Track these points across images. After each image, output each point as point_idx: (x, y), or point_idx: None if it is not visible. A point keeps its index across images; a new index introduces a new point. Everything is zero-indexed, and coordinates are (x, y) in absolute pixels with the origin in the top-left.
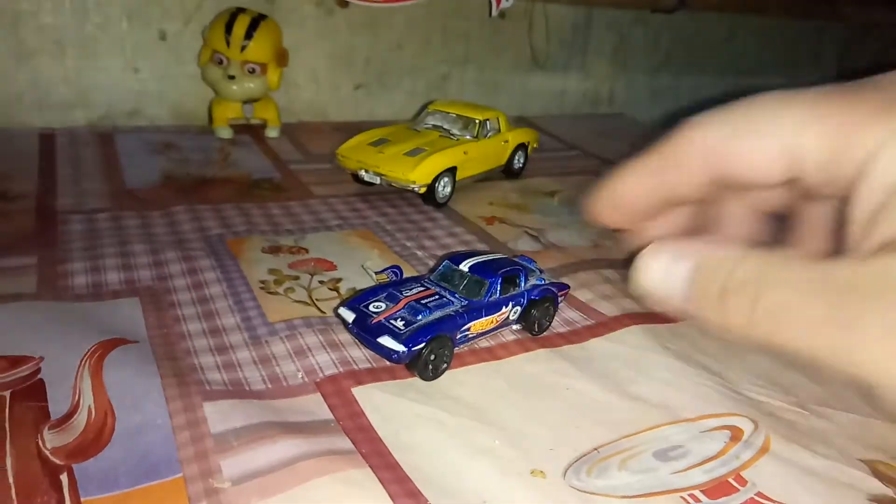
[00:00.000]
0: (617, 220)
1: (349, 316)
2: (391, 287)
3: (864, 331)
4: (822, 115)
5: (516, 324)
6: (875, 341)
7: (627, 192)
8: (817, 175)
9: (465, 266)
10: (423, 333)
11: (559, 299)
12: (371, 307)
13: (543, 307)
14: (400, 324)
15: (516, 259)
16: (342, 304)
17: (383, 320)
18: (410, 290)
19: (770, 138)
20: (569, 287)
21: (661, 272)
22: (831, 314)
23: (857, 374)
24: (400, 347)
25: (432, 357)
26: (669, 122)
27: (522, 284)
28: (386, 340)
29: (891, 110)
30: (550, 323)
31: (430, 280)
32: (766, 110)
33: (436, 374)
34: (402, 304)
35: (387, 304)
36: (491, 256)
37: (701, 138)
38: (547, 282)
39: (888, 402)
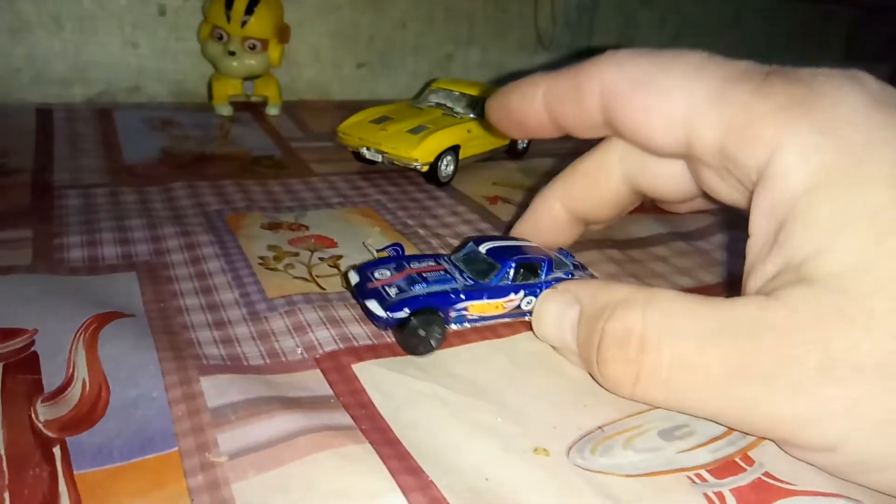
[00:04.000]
0: (508, 129)
1: (354, 278)
2: (405, 258)
3: (775, 386)
4: (725, 98)
5: (531, 315)
6: (785, 398)
7: (521, 109)
8: (710, 158)
9: (483, 248)
10: (409, 303)
11: None
12: (376, 273)
13: None
14: (392, 291)
15: (555, 252)
16: (353, 266)
17: (379, 286)
18: (420, 263)
19: (668, 103)
20: None
21: (554, 320)
22: (735, 371)
23: (758, 432)
24: (383, 313)
25: (420, 332)
26: None
27: (543, 275)
28: (372, 304)
29: (794, 110)
30: None
31: (448, 258)
32: (678, 73)
33: (422, 350)
34: (404, 273)
35: (391, 273)
36: (518, 243)
37: (606, 76)
38: (576, 277)
39: (797, 454)
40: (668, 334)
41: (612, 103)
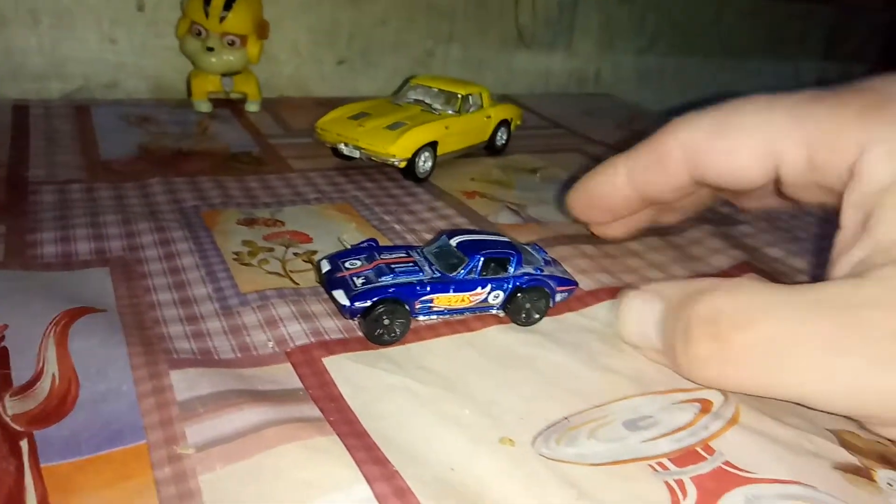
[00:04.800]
0: (592, 217)
1: (325, 266)
2: (377, 249)
3: (867, 359)
4: (806, 118)
5: (499, 309)
6: (884, 371)
7: (606, 192)
8: (798, 178)
9: (454, 241)
10: (372, 294)
11: (558, 295)
12: (346, 263)
13: (532, 298)
14: (359, 282)
15: (525, 246)
16: (326, 256)
17: (348, 276)
18: (391, 254)
19: (753, 138)
20: (576, 284)
21: (637, 319)
22: (832, 339)
23: (849, 410)
24: (347, 302)
25: (385, 322)
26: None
27: (513, 270)
28: (338, 294)
29: (873, 114)
30: (541, 317)
31: (420, 250)
32: (750, 111)
33: (386, 339)
34: (373, 264)
35: (361, 263)
36: (491, 237)
37: (684, 136)
38: (546, 273)
39: (880, 434)
40: (760, 311)
41: (696, 157)
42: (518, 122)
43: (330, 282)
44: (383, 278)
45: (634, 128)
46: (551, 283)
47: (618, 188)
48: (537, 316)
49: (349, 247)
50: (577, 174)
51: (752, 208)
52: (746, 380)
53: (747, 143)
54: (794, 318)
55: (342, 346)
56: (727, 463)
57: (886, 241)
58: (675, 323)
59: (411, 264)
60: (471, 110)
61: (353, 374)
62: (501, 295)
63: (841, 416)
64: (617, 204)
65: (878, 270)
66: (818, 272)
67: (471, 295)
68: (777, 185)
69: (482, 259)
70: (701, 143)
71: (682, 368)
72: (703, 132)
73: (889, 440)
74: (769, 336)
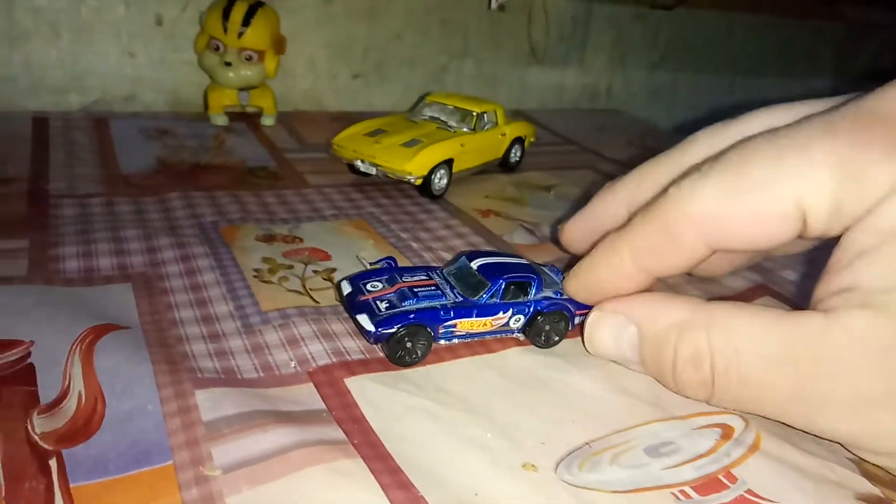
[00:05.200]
0: (600, 300)
1: (346, 289)
2: (397, 271)
3: (833, 408)
4: (829, 161)
5: (519, 332)
6: (843, 419)
7: (612, 280)
8: (823, 224)
9: (475, 264)
10: (398, 319)
11: (577, 318)
12: (368, 285)
13: (553, 321)
14: (383, 306)
15: (543, 268)
16: (346, 277)
17: (371, 299)
18: (412, 276)
19: (778, 195)
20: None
21: (610, 340)
22: (797, 392)
23: (829, 437)
24: (372, 328)
25: (407, 345)
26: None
27: (533, 294)
28: (363, 319)
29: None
30: (560, 339)
31: (440, 271)
32: (763, 162)
33: (408, 360)
34: (395, 288)
35: (383, 286)
36: (510, 260)
37: (696, 209)
38: (565, 297)
39: (870, 458)
40: (733, 356)
41: (715, 229)
42: (532, 140)
43: (352, 305)
44: (407, 303)
45: (646, 144)
46: (570, 307)
47: (625, 275)
48: (557, 339)
49: (368, 266)
50: (590, 191)
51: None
52: (732, 407)
53: (773, 203)
54: (763, 363)
55: (363, 366)
56: (749, 491)
57: (875, 285)
58: (657, 356)
59: (433, 287)
60: (486, 128)
61: (374, 395)
62: (522, 319)
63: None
64: (626, 288)
65: (851, 313)
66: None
67: (493, 319)
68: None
69: (504, 283)
70: (717, 212)
71: (671, 389)
72: (717, 199)
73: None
74: (742, 380)
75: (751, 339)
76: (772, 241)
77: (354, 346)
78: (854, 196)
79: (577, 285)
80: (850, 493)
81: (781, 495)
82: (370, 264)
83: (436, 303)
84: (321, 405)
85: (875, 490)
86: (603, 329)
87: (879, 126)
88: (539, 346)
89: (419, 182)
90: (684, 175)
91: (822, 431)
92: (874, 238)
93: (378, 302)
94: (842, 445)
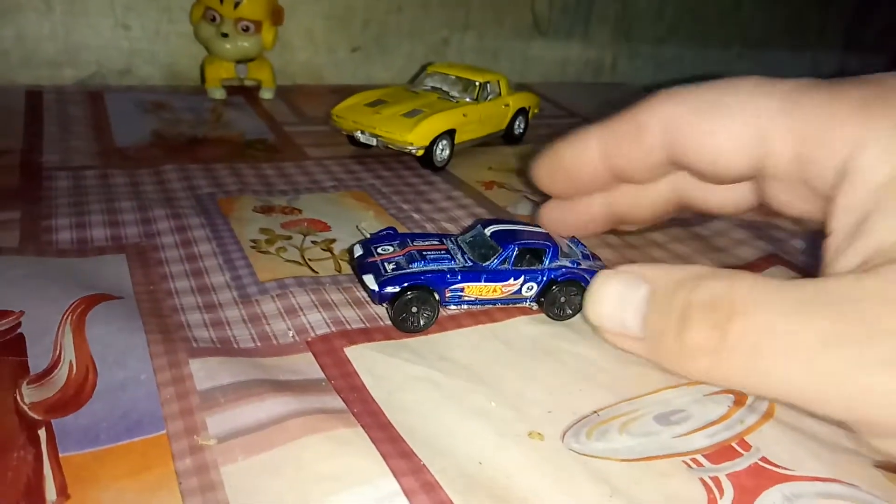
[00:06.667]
0: (557, 188)
1: (357, 251)
2: (410, 236)
3: (866, 358)
4: (798, 107)
5: (532, 302)
6: (880, 370)
7: (574, 160)
8: (784, 170)
9: (489, 231)
10: (402, 280)
11: None
12: (379, 248)
13: (569, 293)
14: (390, 267)
15: (564, 239)
16: (360, 241)
17: (379, 261)
18: (424, 241)
19: (738, 121)
20: None
21: (615, 300)
22: (831, 333)
23: (845, 412)
24: (375, 287)
25: (413, 309)
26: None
27: (548, 262)
28: (368, 279)
29: (871, 108)
30: (574, 313)
31: (454, 238)
32: (740, 92)
33: (409, 325)
34: (405, 251)
35: (393, 249)
36: (526, 228)
37: (666, 110)
38: (584, 267)
39: (878, 447)
40: (759, 302)
41: (676, 134)
42: (536, 111)
43: (361, 266)
44: (414, 265)
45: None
46: (587, 278)
47: (588, 160)
48: (570, 311)
49: (368, 235)
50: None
51: (726, 216)
52: (739, 373)
53: (732, 126)
54: (793, 310)
55: (364, 335)
56: (764, 459)
57: (888, 242)
58: (666, 309)
59: (443, 252)
60: (488, 98)
61: (375, 364)
62: (535, 287)
63: (835, 422)
64: (585, 177)
65: (881, 268)
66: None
67: (503, 285)
68: (759, 186)
69: (516, 249)
70: (683, 119)
71: (669, 358)
72: (687, 108)
73: (889, 456)
74: (767, 326)
75: (780, 291)
76: (726, 166)
77: (354, 316)
78: (816, 145)
79: (543, 161)
80: (866, 461)
81: (797, 463)
82: (372, 235)
83: (443, 266)
84: (320, 374)
85: (892, 457)
86: (609, 287)
87: (857, 87)
88: (552, 317)
89: (421, 153)
90: None
91: (851, 389)
92: (866, 202)
93: (386, 263)
94: (855, 433)
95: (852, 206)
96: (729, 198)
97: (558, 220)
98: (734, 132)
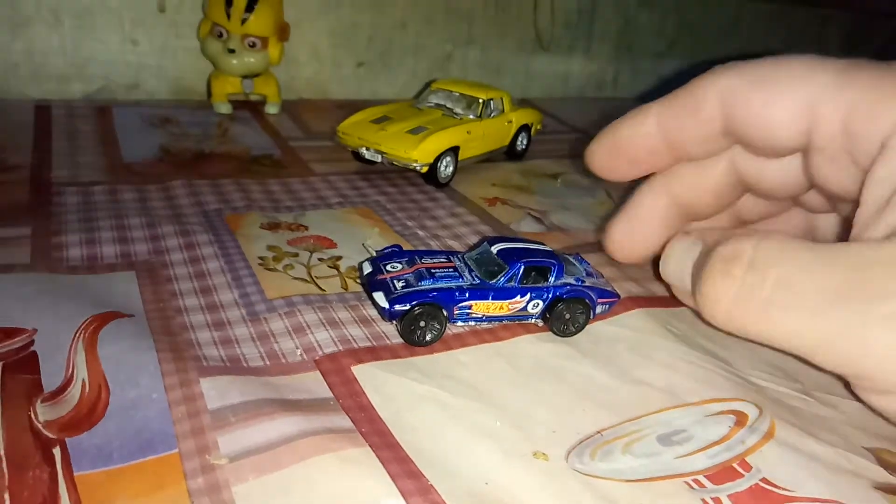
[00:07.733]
0: (614, 167)
1: (367, 268)
2: (418, 253)
3: (874, 313)
4: (849, 82)
5: (538, 318)
6: (884, 327)
7: (632, 137)
8: (831, 142)
9: (495, 248)
10: (412, 297)
11: (598, 307)
12: (388, 266)
13: (573, 309)
14: (399, 285)
15: (568, 256)
16: (368, 258)
17: (388, 279)
18: (432, 258)
19: (792, 93)
20: (618, 296)
21: (678, 256)
22: (841, 289)
23: (846, 366)
24: (386, 304)
25: (421, 323)
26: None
27: (553, 279)
28: (378, 296)
29: None
30: (579, 329)
31: (461, 255)
32: (794, 67)
33: (418, 339)
34: (413, 268)
35: (402, 266)
36: (531, 246)
37: (723, 82)
38: (588, 284)
39: (875, 404)
40: (776, 260)
41: (733, 105)
42: (538, 127)
43: (371, 284)
44: (423, 282)
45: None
46: (592, 295)
47: (646, 134)
48: (574, 329)
49: (374, 252)
50: (598, 181)
51: (779, 197)
52: (753, 323)
53: (786, 98)
54: (809, 266)
55: (371, 354)
56: (764, 480)
57: None
58: (702, 262)
59: (451, 269)
60: (492, 115)
61: (382, 383)
62: (541, 304)
63: (834, 373)
64: (642, 153)
65: None
66: None
67: (510, 303)
68: (806, 162)
69: (522, 267)
70: (739, 91)
71: (700, 305)
72: (744, 80)
73: (878, 409)
74: (783, 279)
75: (801, 250)
76: (778, 136)
77: (361, 334)
78: (864, 119)
79: (601, 139)
80: (867, 483)
81: (797, 484)
82: (376, 252)
83: (452, 283)
84: (328, 393)
85: (892, 479)
86: (675, 247)
87: None
88: (557, 334)
89: (425, 169)
90: None
91: (855, 344)
92: None
93: (395, 281)
94: (853, 387)
95: (886, 178)
96: (780, 175)
97: (623, 239)
98: (788, 104)
